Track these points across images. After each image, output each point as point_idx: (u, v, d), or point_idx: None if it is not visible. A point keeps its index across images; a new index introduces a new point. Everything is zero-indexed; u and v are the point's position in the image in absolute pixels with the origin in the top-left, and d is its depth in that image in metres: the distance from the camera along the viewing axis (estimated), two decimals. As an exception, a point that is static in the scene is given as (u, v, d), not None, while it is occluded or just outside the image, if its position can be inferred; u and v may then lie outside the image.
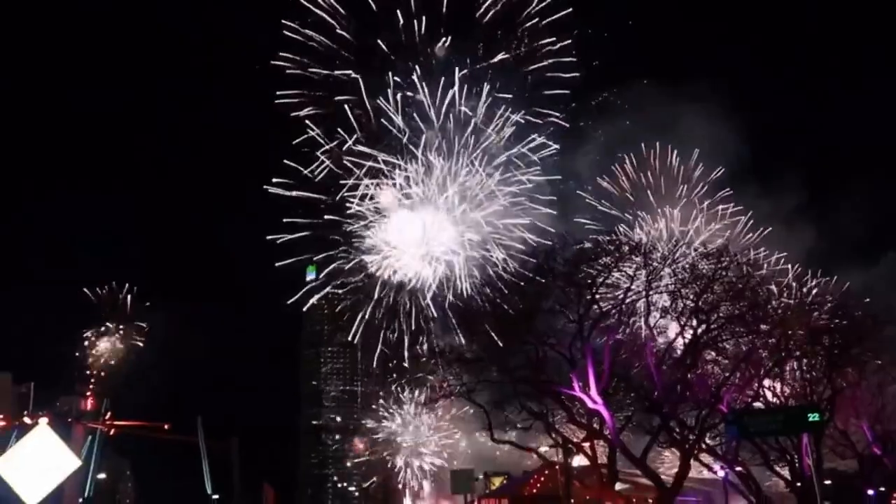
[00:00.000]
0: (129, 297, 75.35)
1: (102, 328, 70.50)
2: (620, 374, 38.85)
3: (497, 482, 51.80)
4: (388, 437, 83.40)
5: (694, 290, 36.86)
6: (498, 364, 39.29)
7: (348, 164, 61.59)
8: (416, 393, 74.36)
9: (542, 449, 42.49)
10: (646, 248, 37.62)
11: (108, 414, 59.31)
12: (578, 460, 41.55)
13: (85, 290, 76.33)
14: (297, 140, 60.13)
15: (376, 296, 66.85)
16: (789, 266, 55.20)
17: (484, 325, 41.81)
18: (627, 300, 37.64)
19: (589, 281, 37.13)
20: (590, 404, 36.78)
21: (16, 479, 30.95)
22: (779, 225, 63.50)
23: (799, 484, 39.29)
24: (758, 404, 39.36)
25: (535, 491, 44.86)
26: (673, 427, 37.63)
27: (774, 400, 40.39)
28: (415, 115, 61.26)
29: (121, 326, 73.47)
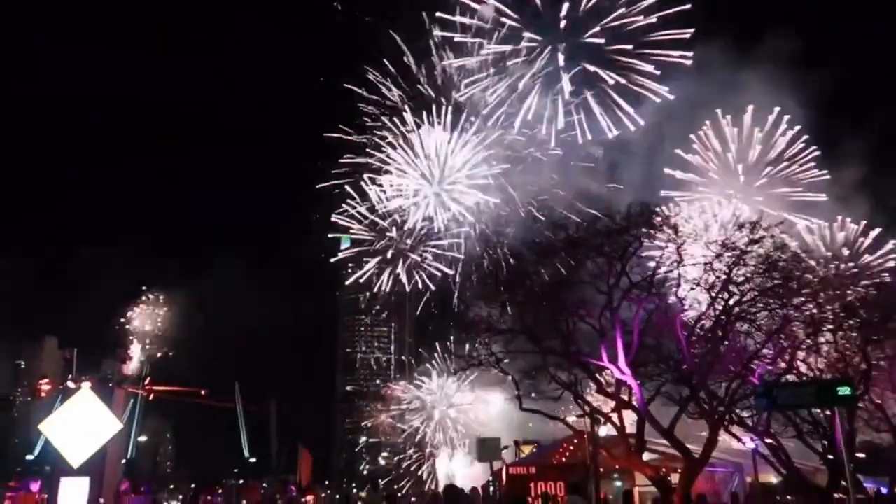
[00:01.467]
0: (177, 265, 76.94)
1: (145, 297, 72.18)
2: (650, 345, 38.81)
3: (527, 450, 52.34)
4: (421, 404, 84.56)
5: (726, 262, 36.48)
6: (528, 334, 39.49)
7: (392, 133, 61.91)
8: (449, 361, 75.29)
9: (571, 419, 42.76)
10: (674, 222, 37.21)
11: (148, 379, 61.09)
12: (607, 430, 41.75)
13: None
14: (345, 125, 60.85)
15: (412, 266, 67.43)
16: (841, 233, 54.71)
17: (516, 294, 41.90)
18: (658, 272, 37.44)
19: (620, 252, 36.96)
20: (618, 375, 36.94)
21: (61, 441, 32.25)
22: (836, 198, 63.03)
23: (831, 457, 39.03)
24: (791, 377, 38.93)
25: (563, 459, 45.23)
26: (702, 398, 37.54)
27: (809, 373, 39.99)
28: (463, 76, 60.98)
29: (163, 295, 75.20)
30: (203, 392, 56.23)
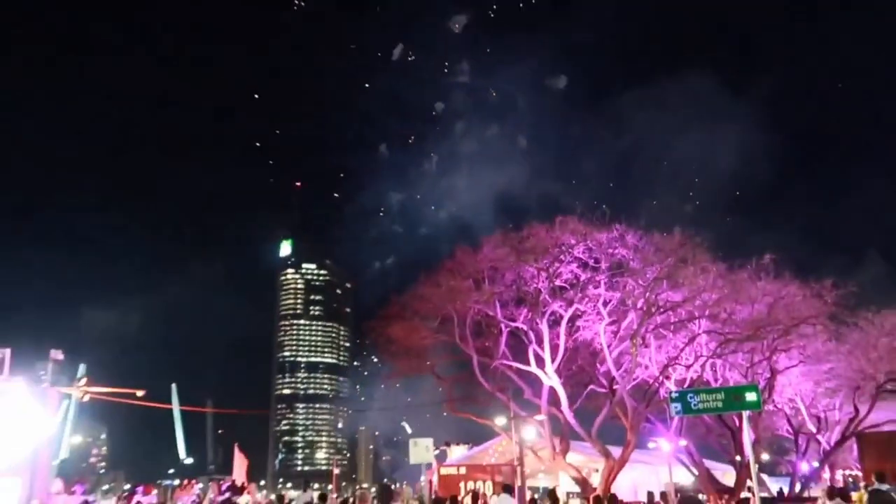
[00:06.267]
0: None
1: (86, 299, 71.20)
2: (576, 350, 41.06)
3: (458, 451, 54.15)
4: (358, 406, 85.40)
5: (645, 278, 38.58)
6: (459, 337, 40.96)
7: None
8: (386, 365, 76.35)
9: (499, 421, 44.68)
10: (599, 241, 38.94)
11: (83, 380, 60.08)
12: (535, 431, 43.89)
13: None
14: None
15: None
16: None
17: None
18: (584, 282, 39.42)
19: (551, 259, 38.65)
20: (545, 381, 39.03)
21: (-6, 441, 32.26)
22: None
23: (738, 458, 41.84)
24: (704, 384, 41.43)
25: (492, 460, 47.27)
26: (623, 402, 39.76)
27: (719, 380, 42.72)
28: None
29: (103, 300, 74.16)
30: (139, 393, 56.04)
